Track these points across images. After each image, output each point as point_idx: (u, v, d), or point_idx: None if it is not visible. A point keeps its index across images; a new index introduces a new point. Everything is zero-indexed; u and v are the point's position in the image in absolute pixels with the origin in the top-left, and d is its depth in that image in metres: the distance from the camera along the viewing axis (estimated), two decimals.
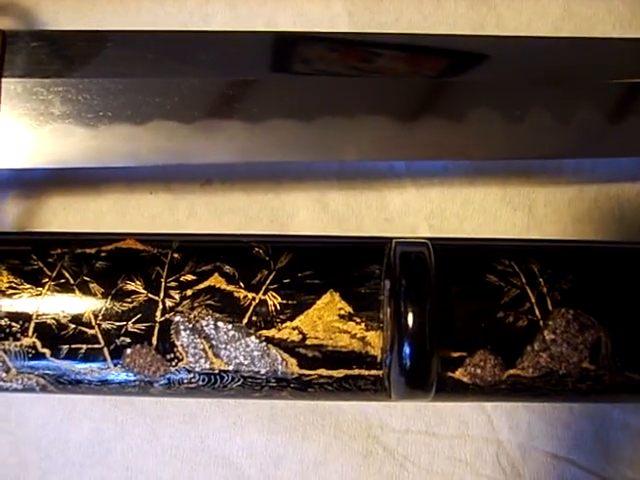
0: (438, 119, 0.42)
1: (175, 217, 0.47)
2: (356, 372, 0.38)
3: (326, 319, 0.38)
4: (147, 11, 0.48)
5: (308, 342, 0.38)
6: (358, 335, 0.38)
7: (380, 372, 0.38)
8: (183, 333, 0.38)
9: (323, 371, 0.38)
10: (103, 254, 0.39)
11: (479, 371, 0.38)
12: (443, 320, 0.37)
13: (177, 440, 0.46)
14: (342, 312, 0.38)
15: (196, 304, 0.38)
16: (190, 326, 0.38)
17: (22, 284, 0.39)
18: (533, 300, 0.38)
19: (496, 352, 0.38)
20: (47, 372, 0.39)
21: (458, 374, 0.38)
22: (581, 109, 0.42)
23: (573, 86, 0.43)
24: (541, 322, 0.38)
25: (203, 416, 0.46)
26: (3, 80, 0.41)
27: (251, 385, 0.39)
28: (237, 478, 0.46)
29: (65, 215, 0.47)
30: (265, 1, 0.48)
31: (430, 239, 0.40)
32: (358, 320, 0.38)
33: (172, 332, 0.38)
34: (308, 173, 0.47)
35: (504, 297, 0.38)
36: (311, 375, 0.38)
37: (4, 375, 0.39)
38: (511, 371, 0.38)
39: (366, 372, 0.38)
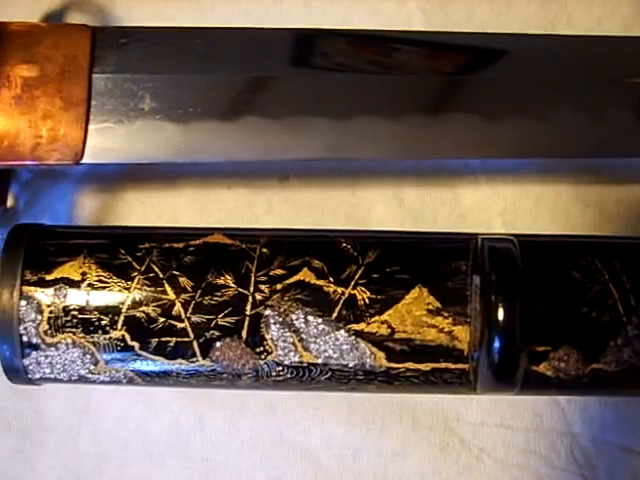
0: (520, 118, 0.42)
1: (253, 212, 0.47)
2: (443, 365, 0.39)
3: (414, 313, 0.38)
4: (221, 7, 0.48)
5: (396, 336, 0.38)
6: (446, 329, 0.38)
7: (466, 366, 0.38)
8: (273, 327, 0.39)
9: (410, 364, 0.39)
10: (191, 248, 0.40)
11: (563, 365, 0.38)
12: (530, 315, 0.38)
13: (256, 432, 0.47)
14: (430, 307, 0.38)
15: (286, 298, 0.39)
16: (280, 320, 0.39)
17: (111, 278, 0.39)
18: (616, 296, 0.39)
19: (580, 347, 0.38)
20: (135, 365, 0.39)
21: (542, 368, 0.38)
22: None
23: None
24: (624, 318, 0.38)
25: (282, 408, 0.47)
26: (93, 76, 0.41)
27: (339, 378, 0.39)
28: (316, 469, 0.46)
29: (142, 209, 0.47)
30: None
31: (515, 235, 0.40)
32: (446, 314, 0.38)
33: (262, 326, 0.39)
34: (384, 169, 0.48)
35: (588, 293, 0.39)
36: (399, 368, 0.39)
37: (92, 367, 0.39)
38: (594, 365, 0.38)
39: (453, 366, 0.39)
